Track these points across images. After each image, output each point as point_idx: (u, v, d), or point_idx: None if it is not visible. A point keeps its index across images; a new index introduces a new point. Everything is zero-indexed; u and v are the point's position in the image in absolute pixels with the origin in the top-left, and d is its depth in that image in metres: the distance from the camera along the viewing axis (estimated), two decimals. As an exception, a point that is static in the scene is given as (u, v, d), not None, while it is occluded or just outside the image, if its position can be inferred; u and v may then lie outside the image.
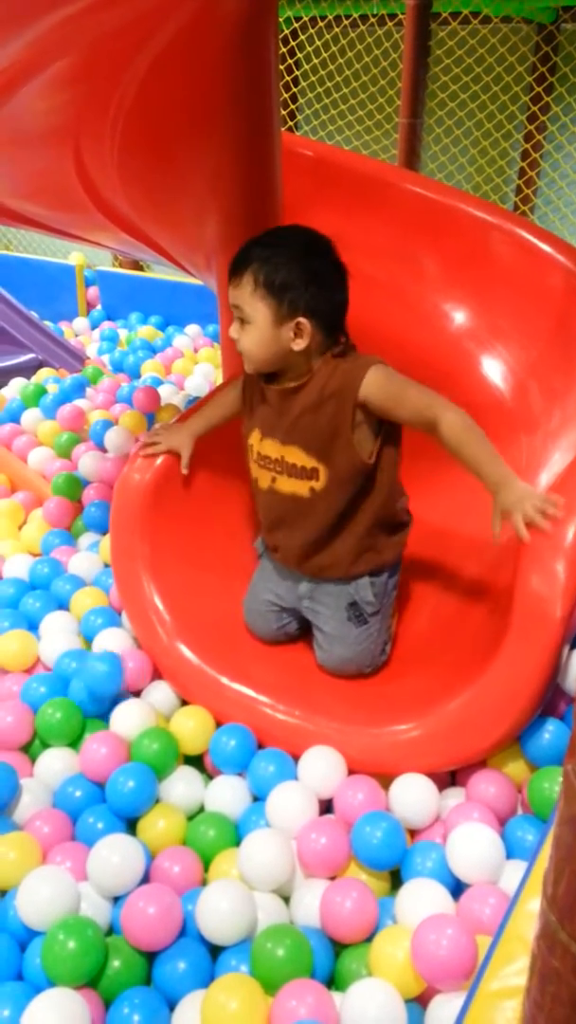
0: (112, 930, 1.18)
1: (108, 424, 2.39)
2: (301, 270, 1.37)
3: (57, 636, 1.65)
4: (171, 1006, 1.06)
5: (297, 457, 1.47)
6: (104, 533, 2.00)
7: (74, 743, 1.45)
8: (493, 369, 2.08)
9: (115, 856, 1.17)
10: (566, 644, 1.28)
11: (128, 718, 1.43)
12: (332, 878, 1.22)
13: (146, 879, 1.21)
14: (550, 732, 1.30)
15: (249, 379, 1.55)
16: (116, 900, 1.18)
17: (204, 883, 1.23)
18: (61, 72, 1.40)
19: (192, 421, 1.69)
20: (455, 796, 1.33)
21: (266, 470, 1.53)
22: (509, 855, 1.21)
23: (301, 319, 1.38)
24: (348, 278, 1.45)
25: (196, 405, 1.76)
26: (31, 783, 1.37)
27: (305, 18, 3.96)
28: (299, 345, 1.40)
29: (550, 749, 1.29)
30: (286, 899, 1.21)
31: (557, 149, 3.87)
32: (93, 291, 4.29)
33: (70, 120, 1.58)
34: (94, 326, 4.08)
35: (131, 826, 1.32)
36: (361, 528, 1.50)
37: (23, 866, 1.18)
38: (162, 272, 4.12)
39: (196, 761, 1.46)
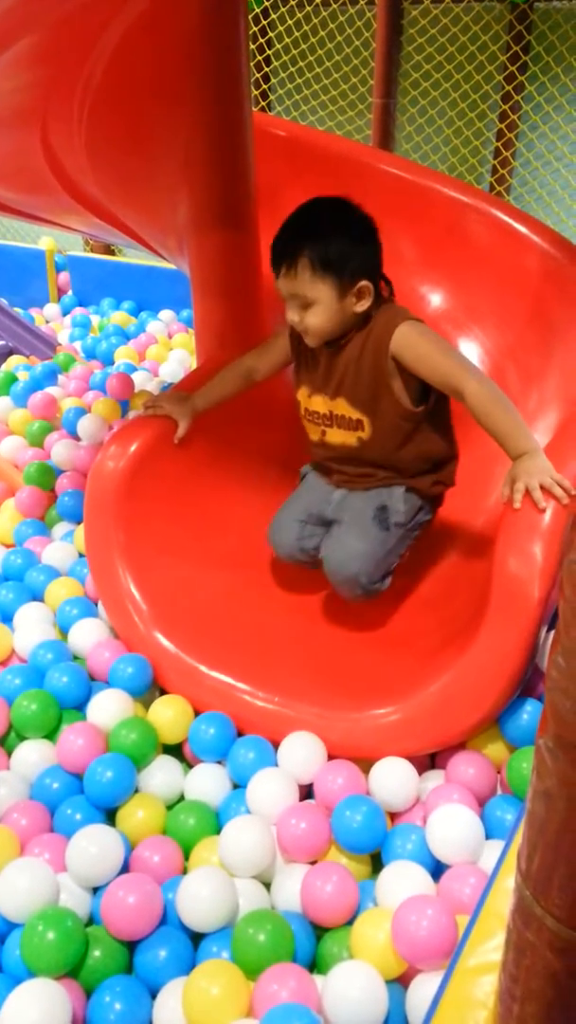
0: (92, 920, 1.17)
1: (81, 412, 2.36)
2: (347, 238, 1.41)
3: (32, 627, 1.63)
4: (153, 994, 1.06)
5: (344, 409, 1.53)
6: (79, 523, 1.98)
7: (50, 735, 1.44)
8: (470, 351, 2.08)
9: (93, 847, 1.17)
10: (544, 625, 1.28)
11: (105, 708, 1.42)
12: (313, 863, 1.22)
13: (126, 869, 1.20)
14: (528, 713, 1.30)
15: (295, 337, 1.58)
16: (96, 891, 1.18)
17: (185, 871, 1.23)
18: (26, 51, 1.37)
19: (199, 396, 1.69)
20: (435, 778, 1.34)
21: (315, 424, 1.60)
22: (489, 835, 1.22)
23: (362, 282, 1.42)
24: (375, 229, 1.49)
25: (195, 377, 1.75)
26: (7, 775, 1.35)
27: (276, -3, 3.91)
28: (363, 306, 1.45)
29: (528, 730, 1.30)
30: (267, 885, 1.21)
31: (532, 129, 3.86)
32: (64, 276, 4.22)
33: (37, 101, 1.55)
34: (65, 312, 4.02)
35: (110, 816, 1.31)
36: (407, 461, 1.56)
37: (1, 858, 1.17)
38: (135, 257, 4.06)
39: (176, 750, 1.45)
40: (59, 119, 1.62)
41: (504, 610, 1.27)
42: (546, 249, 1.96)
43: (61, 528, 2.01)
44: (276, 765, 1.34)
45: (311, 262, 1.39)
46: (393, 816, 1.30)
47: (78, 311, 3.95)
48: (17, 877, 1.11)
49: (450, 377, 1.42)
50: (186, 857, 1.26)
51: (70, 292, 4.17)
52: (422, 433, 1.54)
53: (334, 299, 1.42)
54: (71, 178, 1.86)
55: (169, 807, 1.34)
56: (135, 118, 1.64)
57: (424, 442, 1.55)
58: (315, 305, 1.43)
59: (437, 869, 1.18)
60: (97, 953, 1.08)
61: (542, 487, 1.30)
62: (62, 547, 1.88)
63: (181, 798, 1.37)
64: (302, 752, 1.33)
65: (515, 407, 1.41)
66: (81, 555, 1.85)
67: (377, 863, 1.23)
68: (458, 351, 1.43)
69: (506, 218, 2.06)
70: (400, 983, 1.06)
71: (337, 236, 1.40)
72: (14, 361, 3.03)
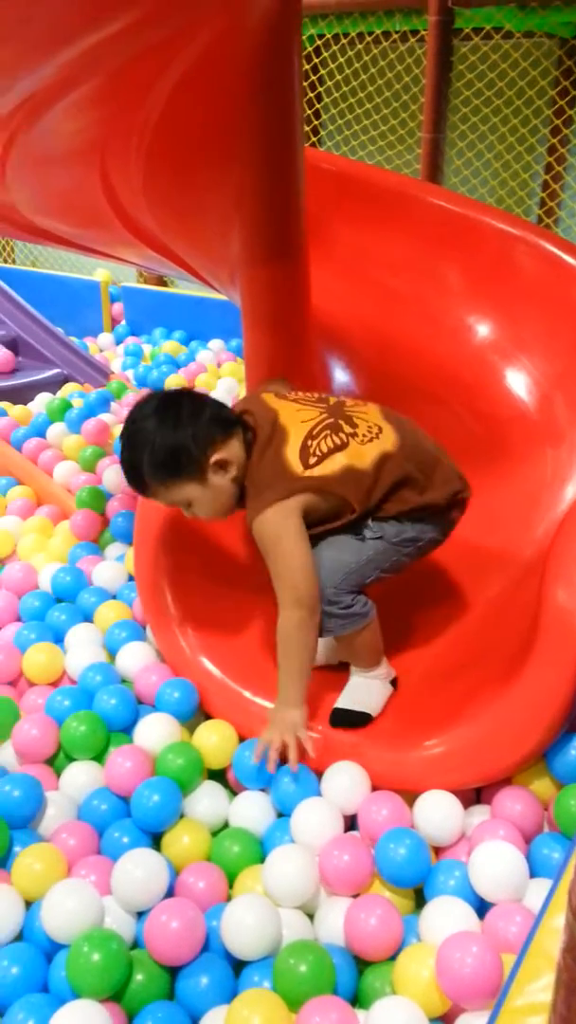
0: (136, 944, 1.18)
1: (133, 438, 2.41)
2: (169, 436, 1.35)
3: (83, 649, 1.66)
4: (194, 1021, 1.06)
5: None
6: (131, 543, 2.01)
7: (99, 756, 1.46)
8: (517, 381, 2.07)
9: (139, 870, 1.18)
10: (593, 659, 1.26)
11: (152, 732, 1.43)
12: (355, 895, 1.21)
13: (171, 894, 1.21)
14: (576, 749, 1.28)
15: None
16: (140, 915, 1.19)
17: (228, 899, 1.23)
18: (87, 94, 1.43)
19: None
20: (480, 813, 1.32)
21: None
22: (535, 873, 1.20)
23: (214, 458, 1.37)
24: (185, 394, 1.43)
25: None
26: (56, 796, 1.37)
27: (328, 35, 3.99)
28: (234, 472, 1.39)
29: (577, 766, 1.27)
30: (311, 916, 1.21)
31: (580, 161, 3.88)
32: (118, 307, 4.34)
33: (96, 140, 1.60)
34: (118, 341, 4.13)
35: (156, 841, 1.32)
36: None
37: (48, 878, 1.19)
38: (186, 287, 4.15)
39: (219, 775, 1.46)
40: (117, 158, 1.67)
41: (552, 642, 1.25)
42: (596, 281, 1.95)
43: (114, 549, 2.05)
44: (319, 794, 1.34)
45: (155, 482, 1.38)
46: (437, 850, 1.28)
47: (131, 340, 4.05)
48: (64, 898, 1.13)
49: (275, 581, 1.37)
50: (230, 885, 1.26)
51: (123, 322, 4.28)
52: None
53: (202, 490, 1.38)
54: (128, 213, 1.92)
55: (214, 834, 1.34)
56: (190, 155, 1.69)
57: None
58: (193, 504, 1.41)
59: (481, 906, 1.16)
60: (140, 977, 1.09)
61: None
62: (112, 567, 1.91)
63: (225, 825, 1.37)
64: (345, 782, 1.33)
65: (296, 654, 1.35)
66: (130, 577, 1.88)
67: (421, 898, 1.22)
68: (298, 561, 1.35)
69: (555, 250, 2.05)
70: (443, 1022, 1.04)
71: (158, 441, 1.35)
72: (69, 388, 3.11)
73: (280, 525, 1.36)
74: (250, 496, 1.40)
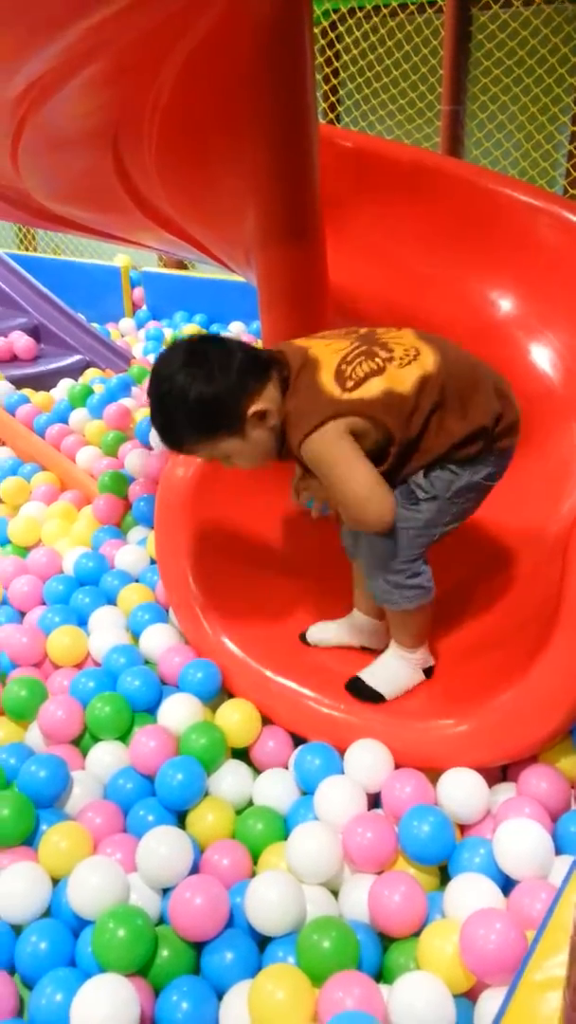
0: (162, 920, 1.19)
1: (154, 422, 2.41)
2: (202, 391, 1.28)
3: (106, 631, 1.67)
4: (219, 995, 1.07)
5: None
6: (153, 527, 2.02)
7: (123, 736, 1.47)
8: (542, 357, 2.04)
9: (163, 848, 1.19)
10: (617, 635, 1.25)
11: (176, 712, 1.44)
12: (379, 872, 1.21)
13: (195, 871, 1.22)
14: (602, 726, 1.27)
15: None
16: (165, 892, 1.20)
17: (253, 876, 1.24)
18: (95, 76, 1.42)
19: None
20: (506, 791, 1.31)
21: None
22: (561, 851, 1.19)
23: (252, 409, 1.30)
24: (212, 341, 1.35)
25: None
26: (82, 776, 1.39)
27: (343, 9, 3.93)
28: (273, 420, 1.32)
29: (602, 743, 1.26)
30: (335, 893, 1.21)
31: (606, 131, 3.78)
32: (139, 292, 4.34)
33: (107, 122, 1.60)
34: (140, 326, 4.13)
35: (181, 819, 1.34)
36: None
37: (74, 856, 1.21)
38: (205, 271, 4.15)
39: (243, 754, 1.47)
40: (129, 139, 1.67)
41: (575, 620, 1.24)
42: (621, 251, 1.91)
43: (136, 533, 2.06)
44: (342, 772, 1.34)
45: (194, 438, 1.33)
46: (462, 828, 1.28)
47: (151, 325, 4.05)
48: (89, 875, 1.14)
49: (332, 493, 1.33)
50: (254, 862, 1.27)
51: (144, 306, 4.28)
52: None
53: (242, 442, 1.32)
54: (143, 195, 1.91)
55: (238, 812, 1.35)
56: (202, 136, 1.67)
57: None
58: (234, 456, 1.35)
59: (506, 883, 1.15)
60: (165, 953, 1.10)
61: None
62: (135, 551, 1.92)
63: (250, 803, 1.38)
64: (369, 760, 1.33)
65: None
66: (153, 561, 1.89)
67: (445, 875, 1.22)
68: (359, 488, 1.30)
69: (579, 220, 2.01)
70: (468, 997, 1.04)
71: (193, 395, 1.27)
72: (91, 374, 3.13)
73: (329, 449, 1.29)
74: (290, 427, 1.32)
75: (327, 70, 4.31)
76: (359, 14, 3.95)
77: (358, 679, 1.47)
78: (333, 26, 4.18)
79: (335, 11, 4.01)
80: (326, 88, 4.38)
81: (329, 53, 4.22)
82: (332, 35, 4.17)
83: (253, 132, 1.62)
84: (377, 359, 1.34)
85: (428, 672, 1.50)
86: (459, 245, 2.16)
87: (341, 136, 2.35)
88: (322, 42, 4.23)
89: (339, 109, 4.49)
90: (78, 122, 1.56)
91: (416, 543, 1.38)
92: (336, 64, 4.30)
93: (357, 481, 1.30)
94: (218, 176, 1.69)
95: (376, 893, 1.13)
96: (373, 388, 1.31)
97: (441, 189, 2.17)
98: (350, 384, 1.31)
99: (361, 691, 1.45)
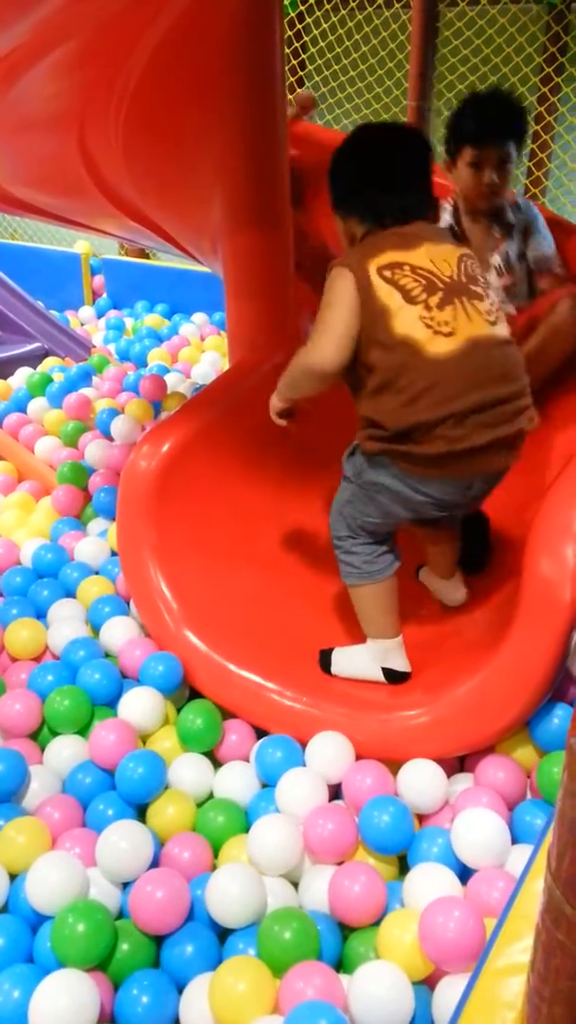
0: (122, 915, 1.18)
1: (114, 412, 2.39)
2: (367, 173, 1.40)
3: (65, 624, 1.65)
4: (179, 988, 1.07)
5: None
6: (114, 519, 2.00)
7: (83, 731, 1.46)
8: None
9: (124, 842, 1.18)
10: (575, 628, 1.27)
11: (136, 706, 1.43)
12: (340, 863, 1.22)
13: (156, 865, 1.21)
14: (559, 717, 1.29)
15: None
16: (125, 886, 1.19)
17: (213, 869, 1.24)
18: (66, 56, 1.39)
19: None
20: (464, 781, 1.33)
21: None
22: (518, 839, 1.21)
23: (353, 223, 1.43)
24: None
25: (228, 378, 1.79)
26: (40, 770, 1.37)
27: (311, 1, 3.92)
28: (351, 237, 1.45)
29: (559, 734, 1.29)
30: (295, 884, 1.22)
31: (568, 131, 3.83)
32: (99, 280, 4.27)
33: (75, 105, 1.57)
34: (100, 315, 4.07)
35: (141, 813, 1.33)
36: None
37: (32, 851, 1.19)
38: (168, 260, 4.10)
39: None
40: (96, 123, 1.64)
41: (535, 612, 1.26)
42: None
43: (96, 525, 2.04)
44: (304, 765, 1.35)
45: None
46: (421, 818, 1.29)
47: (112, 314, 3.99)
48: (48, 870, 1.13)
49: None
50: (215, 855, 1.27)
51: (104, 295, 4.22)
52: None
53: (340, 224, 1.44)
54: (108, 182, 1.88)
55: (199, 804, 1.35)
56: (170, 122, 1.66)
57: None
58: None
59: (464, 872, 1.17)
60: (125, 947, 1.09)
61: None
62: (95, 543, 1.90)
63: (210, 796, 1.38)
64: (330, 752, 1.34)
65: (288, 373, 1.42)
66: (113, 553, 1.87)
67: (404, 865, 1.23)
68: (326, 330, 1.34)
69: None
70: (427, 985, 1.05)
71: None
72: (49, 363, 3.08)
73: (332, 283, 1.33)
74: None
75: (294, 62, 4.29)
76: (327, 6, 3.95)
77: (324, 653, 1.52)
78: (301, 17, 4.17)
79: (303, 2, 3.99)
80: (292, 80, 4.36)
81: (296, 45, 4.20)
82: (300, 26, 4.16)
83: (221, 118, 1.61)
84: (435, 311, 1.28)
85: (395, 677, 1.46)
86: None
87: (310, 131, 2.34)
88: (289, 33, 4.21)
89: (305, 101, 4.47)
90: (46, 104, 1.53)
91: (347, 518, 1.43)
92: (303, 56, 4.29)
93: (322, 319, 1.33)
94: (186, 163, 1.68)
95: (336, 884, 1.14)
96: (405, 316, 1.28)
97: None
98: (398, 285, 1.29)
99: (324, 664, 1.51)
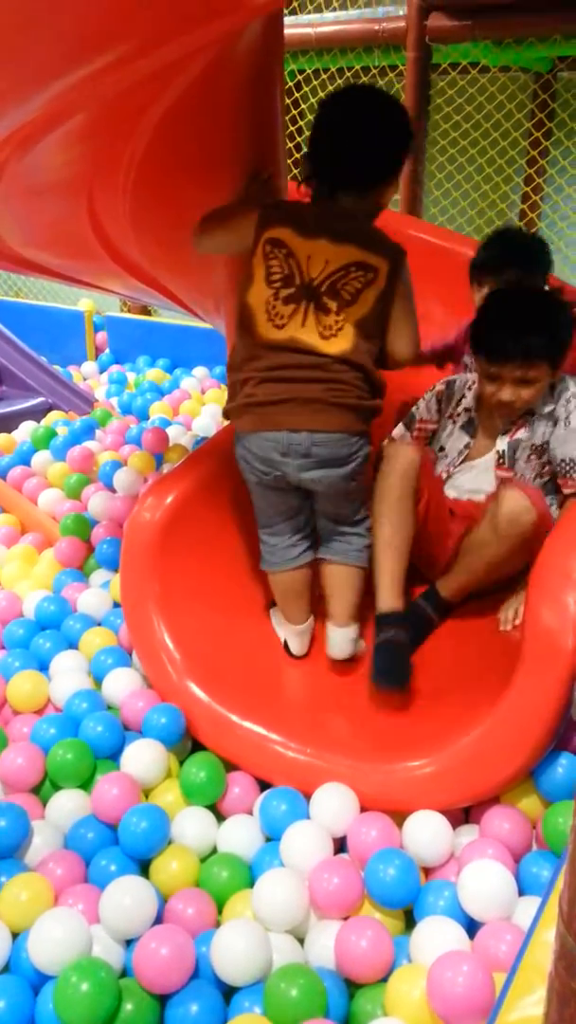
0: (125, 972, 1.16)
1: (117, 465, 2.42)
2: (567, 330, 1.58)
3: (67, 676, 1.65)
4: (185, 1050, 1.04)
5: None
6: (116, 571, 2.02)
7: (85, 784, 1.45)
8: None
9: (127, 898, 1.17)
10: (577, 677, 1.28)
11: (139, 758, 1.43)
12: (345, 918, 1.20)
13: (159, 921, 1.20)
14: (563, 767, 1.29)
15: None
16: (129, 943, 1.17)
17: (218, 925, 1.22)
18: (77, 127, 1.45)
19: None
20: (469, 833, 1.32)
21: None
22: (524, 891, 1.20)
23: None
24: None
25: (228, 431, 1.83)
26: (42, 825, 1.36)
27: (308, 71, 4.08)
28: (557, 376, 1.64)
29: (564, 784, 1.28)
30: (301, 940, 1.20)
31: (556, 192, 3.96)
32: (102, 336, 4.36)
33: (84, 172, 1.63)
34: (102, 369, 4.15)
35: (144, 868, 1.31)
36: None
37: (35, 908, 1.18)
38: (169, 316, 4.19)
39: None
40: (105, 190, 1.70)
41: (537, 661, 1.27)
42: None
43: (99, 576, 2.05)
44: (308, 817, 1.34)
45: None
46: (427, 871, 1.28)
47: (115, 368, 4.07)
48: (51, 928, 1.11)
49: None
50: (219, 910, 1.25)
51: (107, 350, 4.30)
52: None
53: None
54: (114, 244, 1.94)
55: (202, 859, 1.33)
56: (176, 190, 1.72)
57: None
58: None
59: (471, 925, 1.16)
60: (129, 1007, 1.07)
61: None
62: (97, 594, 1.91)
63: (214, 850, 1.37)
64: (335, 804, 1.33)
65: None
66: (116, 604, 1.88)
67: (410, 919, 1.22)
68: None
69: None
70: (436, 1044, 1.03)
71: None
72: (53, 416, 3.12)
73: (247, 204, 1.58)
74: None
75: (291, 128, 4.45)
76: (324, 75, 4.10)
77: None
78: (299, 86, 4.34)
79: (300, 72, 4.16)
80: (290, 145, 4.52)
81: (294, 112, 4.36)
82: (297, 95, 4.32)
83: (224, 185, 1.68)
84: (279, 303, 1.49)
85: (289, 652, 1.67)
86: (422, 301, 2.24)
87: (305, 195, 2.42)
88: (287, 101, 4.37)
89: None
90: (56, 171, 1.60)
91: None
92: (301, 123, 4.45)
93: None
94: (190, 227, 1.74)
95: (343, 939, 1.13)
96: (259, 292, 1.51)
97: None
98: (268, 262, 1.52)
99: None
